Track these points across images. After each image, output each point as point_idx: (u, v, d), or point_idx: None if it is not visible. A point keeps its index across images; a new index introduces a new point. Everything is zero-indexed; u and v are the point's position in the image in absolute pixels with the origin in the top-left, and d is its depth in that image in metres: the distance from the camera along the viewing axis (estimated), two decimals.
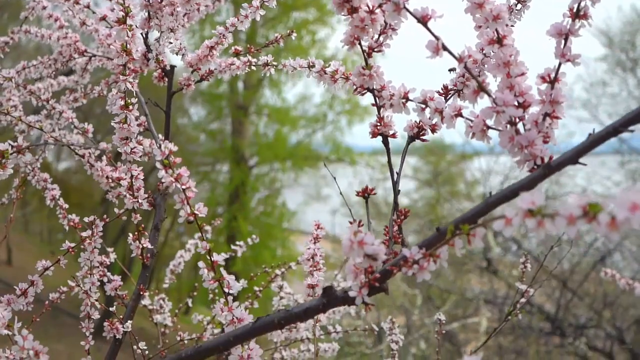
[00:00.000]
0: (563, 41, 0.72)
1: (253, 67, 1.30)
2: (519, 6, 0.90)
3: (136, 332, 1.20)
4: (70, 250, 1.13)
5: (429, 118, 0.87)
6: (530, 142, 0.71)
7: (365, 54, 0.87)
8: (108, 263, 1.19)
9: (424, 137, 0.90)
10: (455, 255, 0.64)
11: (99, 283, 1.16)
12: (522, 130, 0.73)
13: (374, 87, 0.88)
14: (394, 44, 0.88)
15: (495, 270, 7.24)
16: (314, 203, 12.13)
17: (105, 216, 1.15)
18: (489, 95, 0.76)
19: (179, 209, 0.77)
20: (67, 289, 1.19)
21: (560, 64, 0.72)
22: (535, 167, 0.71)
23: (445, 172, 10.99)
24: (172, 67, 1.29)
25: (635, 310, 6.70)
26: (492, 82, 0.78)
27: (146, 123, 1.26)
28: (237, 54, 1.30)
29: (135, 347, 1.28)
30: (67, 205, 1.29)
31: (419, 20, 0.72)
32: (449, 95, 0.87)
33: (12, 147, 1.02)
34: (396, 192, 0.88)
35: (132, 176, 1.10)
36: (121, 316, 1.15)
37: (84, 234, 1.12)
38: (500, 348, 6.81)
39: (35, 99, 1.52)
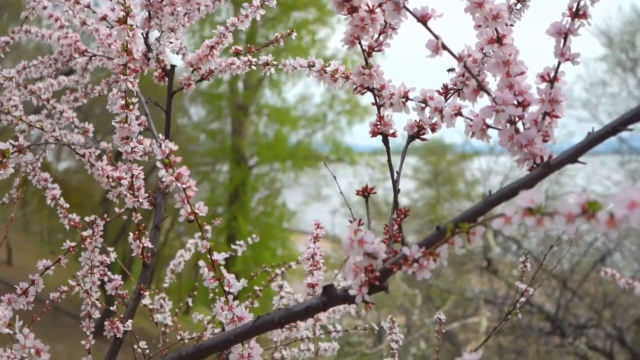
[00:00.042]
0: (562, 40, 0.72)
1: (253, 67, 1.30)
2: (519, 6, 0.90)
3: (136, 331, 1.20)
4: (71, 249, 1.13)
5: (429, 117, 0.87)
6: (529, 141, 0.72)
7: (365, 53, 0.87)
8: (108, 262, 1.20)
9: (423, 136, 0.90)
10: (455, 255, 0.64)
11: (99, 282, 1.17)
12: (521, 129, 0.74)
13: (374, 87, 0.88)
14: (394, 43, 0.88)
15: (495, 270, 7.25)
16: (314, 203, 12.14)
17: (105, 215, 1.15)
18: (489, 94, 0.76)
19: (179, 208, 0.77)
20: (68, 289, 1.20)
21: (559, 63, 0.73)
22: (535, 165, 0.71)
23: (445, 172, 10.99)
24: (173, 66, 1.29)
25: (635, 310, 6.71)
26: (492, 81, 0.79)
27: (146, 122, 1.27)
28: (237, 54, 1.30)
29: (135, 346, 1.28)
30: (67, 205, 1.29)
31: (418, 20, 0.72)
32: (449, 95, 0.87)
33: (14, 146, 1.03)
34: (396, 191, 0.88)
35: (132, 175, 1.10)
36: (122, 315, 1.15)
37: (84, 234, 1.12)
38: (500, 348, 6.82)
39: (35, 98, 1.52)
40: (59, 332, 6.39)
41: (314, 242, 1.10)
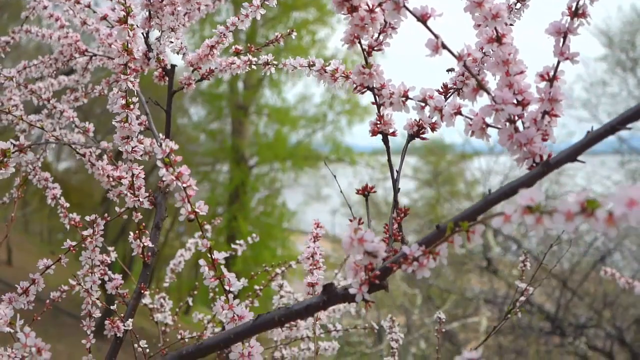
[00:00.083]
0: (562, 39, 0.73)
1: (253, 66, 1.30)
2: (518, 5, 0.90)
3: (137, 331, 1.20)
4: (72, 249, 1.13)
5: (429, 116, 0.87)
6: (529, 140, 0.72)
7: (365, 52, 0.87)
8: (109, 262, 1.20)
9: (423, 136, 0.91)
10: (455, 254, 0.64)
11: (100, 282, 1.17)
12: (521, 128, 0.74)
13: (374, 86, 0.88)
14: (393, 42, 0.88)
15: (495, 269, 7.25)
16: (314, 203, 12.14)
17: (106, 215, 1.15)
18: (488, 94, 0.76)
19: (179, 207, 0.78)
20: (68, 288, 1.20)
21: (559, 62, 0.73)
22: (534, 164, 0.72)
23: (445, 172, 10.99)
24: (173, 66, 1.29)
25: (635, 309, 6.71)
26: (492, 81, 0.79)
27: (147, 122, 1.27)
28: (237, 53, 1.31)
29: (136, 345, 1.29)
30: (67, 205, 1.29)
31: (418, 19, 0.72)
32: (449, 94, 0.88)
33: (14, 145, 1.03)
34: (396, 190, 0.88)
35: (133, 175, 1.10)
36: (122, 315, 1.15)
37: (85, 233, 1.12)
38: (500, 347, 6.82)
39: (36, 98, 1.52)
40: (60, 331, 6.39)
41: (314, 241, 1.10)
